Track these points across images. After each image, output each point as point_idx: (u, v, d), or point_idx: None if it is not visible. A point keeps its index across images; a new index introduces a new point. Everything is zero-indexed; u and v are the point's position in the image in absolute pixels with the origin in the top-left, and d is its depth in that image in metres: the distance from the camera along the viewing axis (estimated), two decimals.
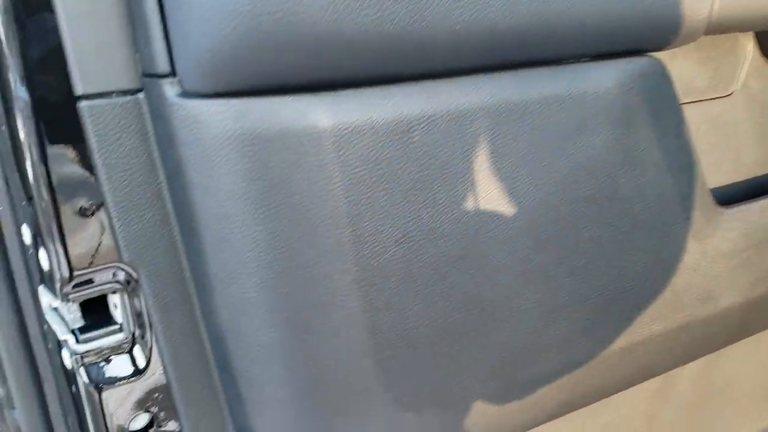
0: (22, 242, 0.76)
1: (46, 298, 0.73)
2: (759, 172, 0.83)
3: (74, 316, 0.73)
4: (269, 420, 0.74)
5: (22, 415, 0.85)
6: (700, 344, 0.85)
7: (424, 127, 0.68)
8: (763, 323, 0.86)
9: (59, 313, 0.74)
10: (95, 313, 0.74)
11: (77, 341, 0.72)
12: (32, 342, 0.84)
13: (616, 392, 0.86)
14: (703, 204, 0.73)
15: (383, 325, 0.73)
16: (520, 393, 0.81)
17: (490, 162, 0.71)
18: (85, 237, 0.68)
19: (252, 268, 0.68)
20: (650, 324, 0.79)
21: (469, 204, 0.72)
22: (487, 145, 0.70)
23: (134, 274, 0.70)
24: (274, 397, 0.73)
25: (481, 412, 0.80)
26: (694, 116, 0.77)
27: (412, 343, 0.74)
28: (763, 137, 0.80)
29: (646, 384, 0.91)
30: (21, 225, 0.74)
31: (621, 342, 0.79)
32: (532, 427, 0.83)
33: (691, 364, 0.92)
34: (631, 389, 0.88)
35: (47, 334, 0.80)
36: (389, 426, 0.77)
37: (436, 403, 0.78)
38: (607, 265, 0.75)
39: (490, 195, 0.72)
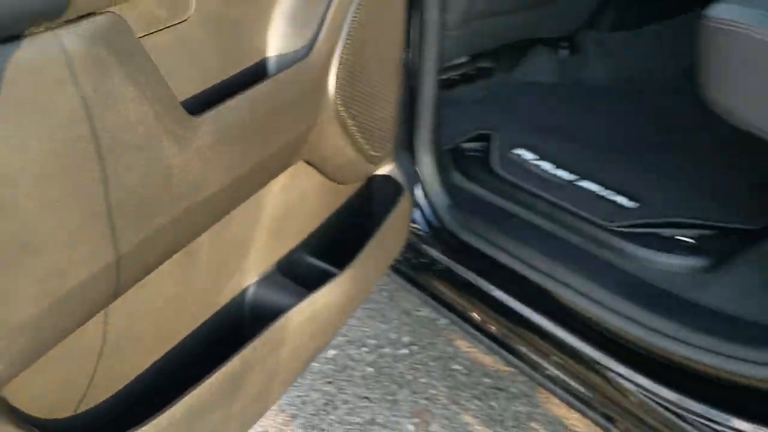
0: None
1: None
2: (221, 78, 0.93)
3: None
4: None
5: None
6: (203, 220, 0.92)
7: None
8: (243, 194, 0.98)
9: None
10: None
11: None
12: None
13: None
14: (176, 117, 0.79)
15: None
16: None
17: None
18: None
19: None
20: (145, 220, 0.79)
21: None
22: None
23: None
24: None
25: None
26: (163, 42, 0.83)
27: None
28: (219, 47, 0.91)
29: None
30: None
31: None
32: None
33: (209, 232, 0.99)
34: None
35: None
36: None
37: None
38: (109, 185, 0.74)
39: None
